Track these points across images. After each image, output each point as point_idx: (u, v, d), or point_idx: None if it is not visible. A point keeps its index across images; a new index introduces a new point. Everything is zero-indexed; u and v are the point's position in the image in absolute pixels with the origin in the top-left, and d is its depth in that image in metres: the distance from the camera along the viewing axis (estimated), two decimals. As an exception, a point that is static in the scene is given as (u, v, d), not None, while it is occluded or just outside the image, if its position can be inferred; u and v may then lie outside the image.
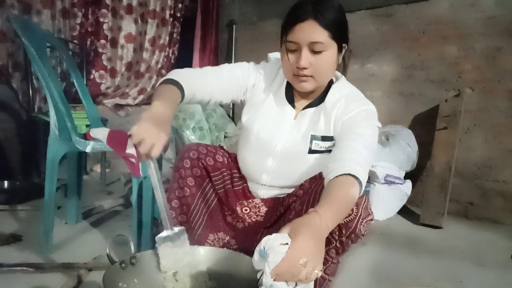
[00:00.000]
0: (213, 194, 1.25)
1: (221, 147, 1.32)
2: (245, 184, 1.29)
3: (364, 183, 0.94)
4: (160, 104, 0.94)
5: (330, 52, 1.04)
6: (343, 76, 1.22)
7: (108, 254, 0.95)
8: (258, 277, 0.74)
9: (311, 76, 1.06)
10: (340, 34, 1.05)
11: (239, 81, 1.19)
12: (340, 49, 1.08)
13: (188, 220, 1.20)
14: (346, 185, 0.90)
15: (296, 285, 0.72)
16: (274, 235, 0.73)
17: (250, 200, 1.25)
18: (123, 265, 0.90)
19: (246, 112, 1.23)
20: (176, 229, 0.95)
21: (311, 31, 1.01)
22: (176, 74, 1.08)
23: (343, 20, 1.06)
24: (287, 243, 0.71)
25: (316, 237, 0.74)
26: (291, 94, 1.20)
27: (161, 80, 1.06)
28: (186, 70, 1.12)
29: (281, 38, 1.09)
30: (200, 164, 1.20)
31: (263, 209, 1.23)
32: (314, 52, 1.03)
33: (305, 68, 1.04)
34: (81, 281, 1.29)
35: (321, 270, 0.71)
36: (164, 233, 0.94)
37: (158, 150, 0.85)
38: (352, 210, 0.95)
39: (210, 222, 1.22)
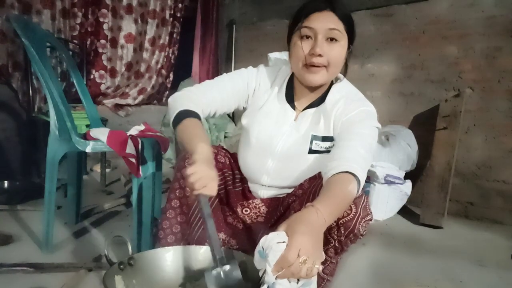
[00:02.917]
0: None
1: (222, 148, 1.32)
2: (245, 185, 1.29)
3: (362, 182, 0.95)
4: (203, 144, 0.94)
5: (343, 44, 1.07)
6: (344, 78, 1.23)
7: (107, 255, 0.95)
8: (260, 275, 0.74)
9: (324, 66, 1.06)
10: (351, 30, 1.08)
11: (241, 91, 1.20)
12: (348, 47, 1.10)
13: (188, 220, 1.20)
14: (344, 182, 0.90)
15: (298, 281, 0.72)
16: (271, 234, 0.73)
17: (251, 201, 1.25)
18: (121, 266, 0.90)
19: (247, 115, 1.23)
20: (227, 266, 0.83)
21: (329, 19, 1.04)
22: (184, 100, 1.07)
23: (353, 19, 1.09)
24: (284, 241, 0.71)
25: (313, 232, 0.74)
26: (291, 95, 1.20)
27: (174, 111, 1.04)
28: (190, 93, 1.11)
29: (292, 27, 1.10)
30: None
31: (263, 210, 1.24)
32: (330, 40, 1.05)
33: (320, 56, 1.04)
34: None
35: (322, 265, 0.72)
36: (215, 271, 0.83)
37: (214, 188, 0.88)
38: (351, 209, 0.95)
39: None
